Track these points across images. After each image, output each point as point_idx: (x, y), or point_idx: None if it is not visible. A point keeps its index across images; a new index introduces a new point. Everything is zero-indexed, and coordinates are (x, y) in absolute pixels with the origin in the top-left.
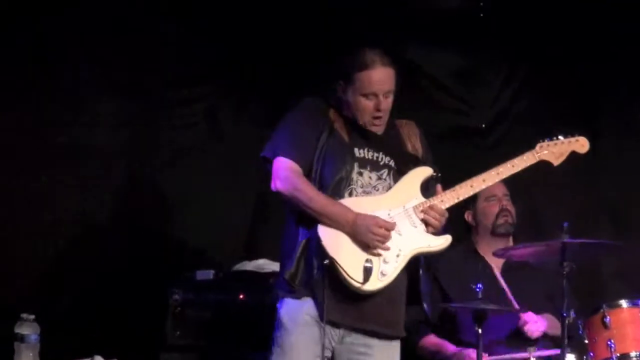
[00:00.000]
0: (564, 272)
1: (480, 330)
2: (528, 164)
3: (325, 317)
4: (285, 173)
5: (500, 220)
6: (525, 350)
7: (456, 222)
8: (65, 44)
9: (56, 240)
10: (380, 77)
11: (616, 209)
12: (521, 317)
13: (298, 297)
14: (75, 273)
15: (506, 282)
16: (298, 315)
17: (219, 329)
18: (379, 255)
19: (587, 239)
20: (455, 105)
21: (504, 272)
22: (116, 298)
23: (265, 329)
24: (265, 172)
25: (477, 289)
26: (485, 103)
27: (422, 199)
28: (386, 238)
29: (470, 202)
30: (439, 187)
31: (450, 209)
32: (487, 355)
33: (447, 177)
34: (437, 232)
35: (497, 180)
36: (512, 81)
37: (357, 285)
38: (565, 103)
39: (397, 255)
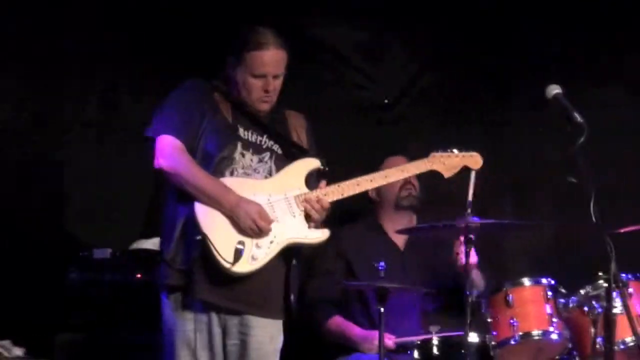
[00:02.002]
0: (467, 251)
1: (382, 309)
2: (419, 171)
3: (195, 293)
4: (169, 150)
5: (404, 193)
6: (428, 332)
7: None
8: None
9: None
10: (271, 59)
11: (520, 188)
12: (455, 243)
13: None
14: None
15: (410, 257)
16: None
17: (116, 309)
18: (252, 239)
19: (490, 219)
20: (359, 80)
21: (408, 247)
22: (11, 277)
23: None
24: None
25: (380, 267)
26: (390, 78)
27: (305, 190)
28: (264, 231)
29: None
30: (323, 182)
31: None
32: (393, 337)
33: (349, 152)
34: (316, 225)
35: (384, 183)
36: (417, 56)
37: (226, 265)
38: (471, 79)
39: (271, 242)
